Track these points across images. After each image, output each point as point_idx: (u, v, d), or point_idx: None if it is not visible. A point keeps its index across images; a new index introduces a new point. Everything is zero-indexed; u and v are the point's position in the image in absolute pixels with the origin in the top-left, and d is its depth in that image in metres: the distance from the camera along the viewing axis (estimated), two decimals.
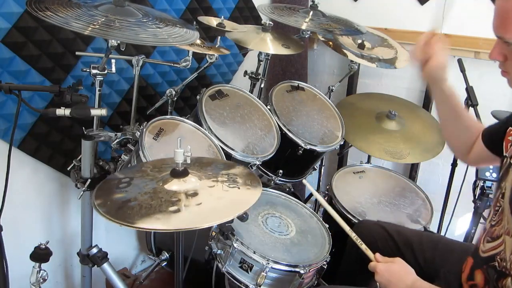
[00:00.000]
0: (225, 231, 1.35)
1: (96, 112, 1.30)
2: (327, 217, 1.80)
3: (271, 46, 1.83)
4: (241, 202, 1.03)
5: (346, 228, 1.34)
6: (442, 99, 1.29)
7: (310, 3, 1.97)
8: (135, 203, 0.97)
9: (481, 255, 1.08)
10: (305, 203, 1.74)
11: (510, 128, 1.09)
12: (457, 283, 1.14)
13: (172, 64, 1.68)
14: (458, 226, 2.13)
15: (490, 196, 1.61)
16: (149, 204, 0.97)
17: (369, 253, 1.27)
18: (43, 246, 1.33)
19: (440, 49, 1.22)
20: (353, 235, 1.31)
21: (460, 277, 1.14)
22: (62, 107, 1.24)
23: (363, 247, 1.29)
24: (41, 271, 1.33)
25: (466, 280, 1.11)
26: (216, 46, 1.73)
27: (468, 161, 1.35)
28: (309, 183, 1.54)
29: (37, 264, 1.32)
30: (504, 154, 1.07)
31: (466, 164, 1.75)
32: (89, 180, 1.50)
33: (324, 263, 1.45)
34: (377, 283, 1.18)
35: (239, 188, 1.08)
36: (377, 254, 1.24)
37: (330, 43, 2.11)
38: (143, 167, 1.21)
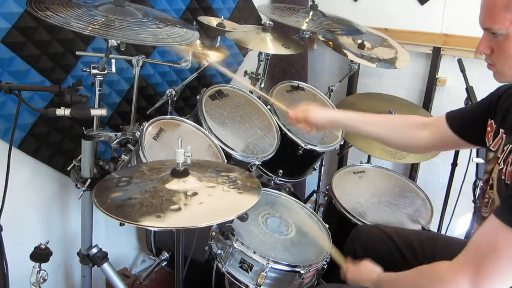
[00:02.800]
0: (225, 231, 1.35)
1: (96, 112, 1.30)
2: (327, 217, 1.80)
3: (271, 46, 1.83)
4: (240, 204, 1.03)
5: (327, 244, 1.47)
6: (353, 125, 1.41)
7: (310, 3, 1.97)
8: (135, 201, 0.97)
9: None
10: (305, 203, 1.73)
11: (490, 120, 1.10)
12: None
13: (172, 64, 1.67)
14: (458, 226, 2.13)
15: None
16: (150, 202, 0.97)
17: (339, 258, 1.34)
18: (43, 246, 1.32)
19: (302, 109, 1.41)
20: (332, 249, 1.42)
21: None
22: (62, 107, 1.24)
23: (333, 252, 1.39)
24: (41, 271, 1.33)
25: None
26: (216, 46, 1.73)
27: (422, 150, 1.37)
28: (309, 183, 1.55)
29: (37, 264, 1.32)
30: (489, 146, 1.09)
31: (467, 163, 1.75)
32: (89, 180, 1.50)
33: (324, 263, 1.45)
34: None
35: (239, 189, 1.08)
36: (347, 261, 1.31)
37: (330, 43, 2.12)
38: (142, 167, 1.21)
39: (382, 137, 1.37)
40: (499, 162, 1.01)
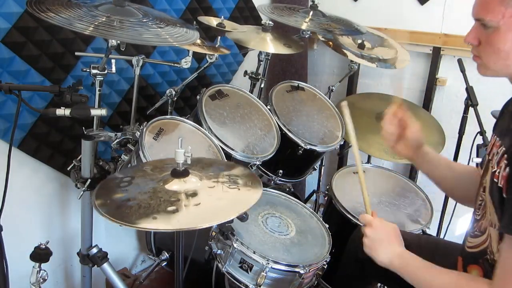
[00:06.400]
0: (225, 231, 1.35)
1: (96, 112, 1.30)
2: (327, 217, 1.80)
3: (272, 45, 1.83)
4: (241, 203, 1.03)
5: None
6: (428, 159, 1.31)
7: (310, 3, 1.97)
8: (134, 202, 0.97)
9: (468, 251, 1.09)
10: (305, 203, 1.73)
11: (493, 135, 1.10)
12: None
13: (172, 64, 1.68)
14: (458, 226, 2.13)
15: None
16: (148, 203, 0.97)
17: (368, 203, 1.25)
18: (43, 246, 1.32)
19: (410, 116, 1.26)
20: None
21: None
22: (62, 107, 1.24)
23: (366, 194, 1.27)
24: (41, 271, 1.33)
25: None
26: (216, 46, 1.73)
27: None
28: (309, 183, 1.54)
29: (37, 264, 1.32)
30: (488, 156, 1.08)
31: (467, 164, 1.75)
32: (89, 180, 1.50)
33: (324, 263, 1.45)
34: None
35: (239, 189, 1.08)
36: (374, 212, 1.24)
37: (330, 43, 2.11)
38: (143, 167, 1.21)
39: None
40: (492, 164, 1.00)
